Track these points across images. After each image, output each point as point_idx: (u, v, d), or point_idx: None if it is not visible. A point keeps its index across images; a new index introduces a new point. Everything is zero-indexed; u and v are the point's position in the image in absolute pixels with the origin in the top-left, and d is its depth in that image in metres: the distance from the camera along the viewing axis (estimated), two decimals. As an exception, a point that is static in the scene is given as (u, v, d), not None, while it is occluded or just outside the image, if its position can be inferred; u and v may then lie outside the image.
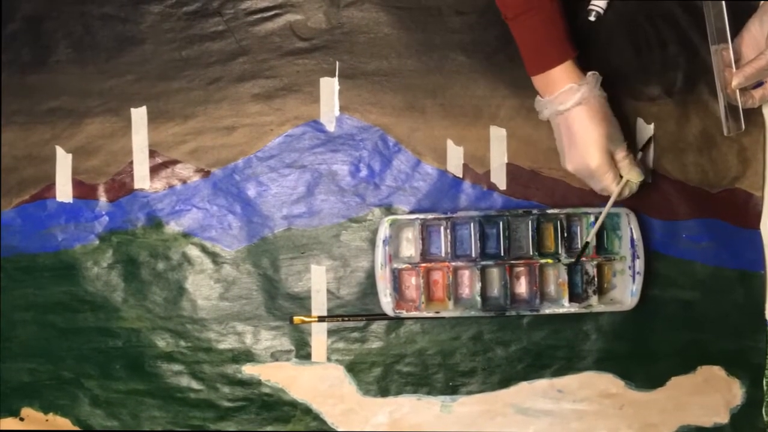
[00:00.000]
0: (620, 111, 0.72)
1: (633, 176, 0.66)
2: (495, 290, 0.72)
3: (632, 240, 0.69)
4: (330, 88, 0.73)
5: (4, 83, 0.74)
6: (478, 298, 0.70)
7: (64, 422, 0.74)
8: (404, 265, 0.70)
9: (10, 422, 0.74)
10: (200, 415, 0.74)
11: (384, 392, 0.73)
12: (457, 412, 0.73)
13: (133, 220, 0.74)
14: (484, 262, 0.70)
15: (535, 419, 0.73)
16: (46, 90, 0.74)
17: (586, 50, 0.72)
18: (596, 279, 0.70)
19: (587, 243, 0.69)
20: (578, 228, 0.72)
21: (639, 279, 0.69)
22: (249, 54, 0.74)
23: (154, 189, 0.74)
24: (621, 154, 0.66)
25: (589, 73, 0.65)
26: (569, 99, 0.63)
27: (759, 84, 0.66)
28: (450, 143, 0.73)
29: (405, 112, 0.73)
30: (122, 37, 0.74)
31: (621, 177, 0.66)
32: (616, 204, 0.71)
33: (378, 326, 0.73)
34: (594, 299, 0.70)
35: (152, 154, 0.74)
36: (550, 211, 0.70)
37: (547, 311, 0.70)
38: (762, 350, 0.73)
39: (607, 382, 0.73)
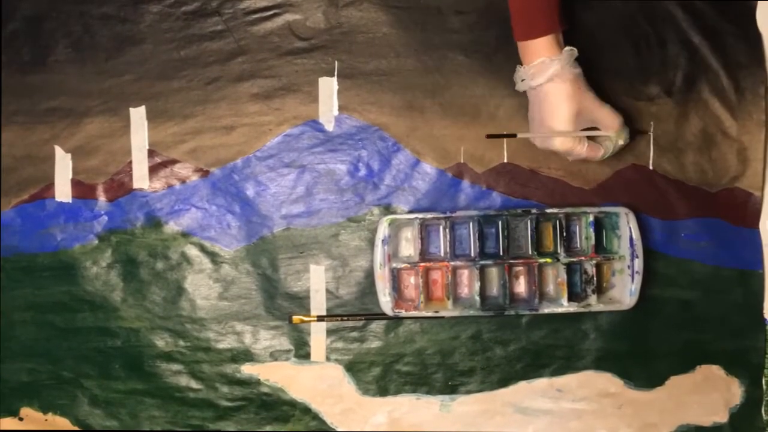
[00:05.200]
0: (620, 111, 0.72)
1: (617, 137, 0.67)
2: (494, 290, 0.72)
3: (631, 239, 0.69)
4: (329, 87, 0.73)
5: (3, 83, 0.74)
6: (477, 298, 0.69)
7: (64, 422, 0.74)
8: (403, 265, 0.70)
9: (9, 422, 0.74)
10: (199, 414, 0.74)
11: (383, 392, 0.73)
12: (457, 412, 0.73)
13: (132, 220, 0.74)
14: (483, 262, 0.70)
15: (534, 418, 0.73)
16: (46, 90, 0.74)
17: (586, 50, 0.72)
18: (595, 278, 0.70)
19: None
20: (577, 227, 0.72)
21: (638, 278, 0.69)
22: (248, 54, 0.74)
23: (153, 189, 0.74)
24: (605, 120, 0.66)
25: (565, 48, 0.64)
26: (541, 73, 0.63)
27: None
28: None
29: (404, 111, 0.73)
30: (121, 36, 0.74)
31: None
32: (615, 204, 0.72)
33: (377, 326, 0.73)
34: (593, 299, 0.70)
35: (151, 153, 0.74)
36: (549, 211, 0.70)
37: (546, 311, 0.70)
38: (761, 349, 0.73)
39: (606, 381, 0.73)
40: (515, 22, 0.64)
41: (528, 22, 0.64)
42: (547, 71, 0.63)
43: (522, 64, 0.66)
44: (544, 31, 0.63)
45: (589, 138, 0.67)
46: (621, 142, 0.68)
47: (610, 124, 0.66)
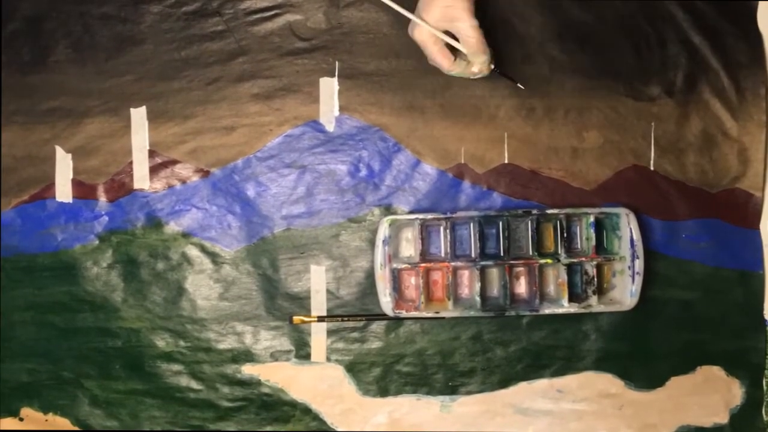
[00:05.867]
0: (620, 111, 0.73)
1: (471, 58, 0.65)
2: (494, 290, 0.72)
3: (632, 240, 0.69)
4: (329, 88, 0.73)
5: (4, 83, 0.74)
6: (478, 298, 0.69)
7: (64, 422, 0.74)
8: (404, 265, 0.70)
9: (9, 422, 0.74)
10: (200, 415, 0.74)
11: (383, 392, 0.73)
12: (457, 412, 0.73)
13: (133, 220, 0.74)
14: (483, 262, 0.70)
15: (534, 419, 0.73)
16: (46, 90, 0.74)
17: (586, 50, 0.72)
18: (596, 279, 0.70)
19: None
20: (578, 228, 0.72)
21: (638, 279, 0.69)
22: (248, 54, 0.74)
23: (153, 189, 0.74)
24: (465, 32, 0.64)
25: None
26: None
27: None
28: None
29: (404, 112, 0.73)
30: (122, 37, 0.74)
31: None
32: (616, 205, 0.72)
33: (377, 326, 0.73)
34: (593, 299, 0.70)
35: (152, 154, 0.74)
36: (549, 211, 0.70)
37: (547, 311, 0.70)
38: (761, 350, 0.73)
39: (607, 382, 0.73)
40: None
41: None
42: None
43: None
44: None
45: (450, 48, 0.65)
46: (475, 69, 0.66)
47: (467, 37, 0.64)
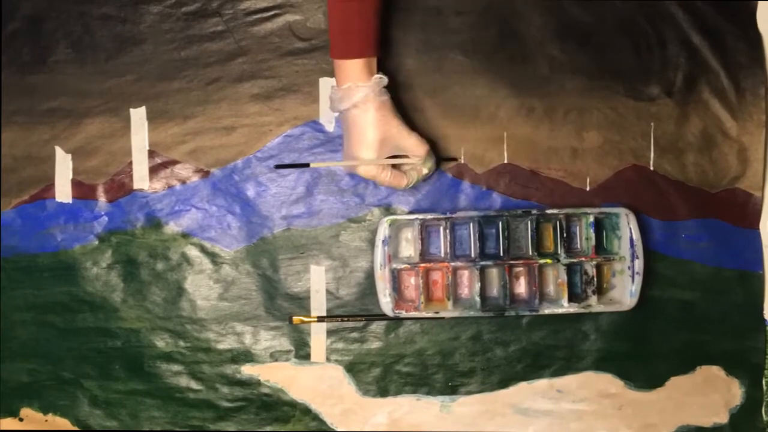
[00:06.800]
0: (620, 111, 0.72)
1: (422, 165, 0.68)
2: (494, 290, 0.72)
3: (631, 240, 0.69)
4: (329, 88, 0.73)
5: (4, 83, 0.74)
6: (478, 299, 0.69)
7: (64, 422, 0.74)
8: (403, 266, 0.70)
9: (9, 422, 0.74)
10: (199, 415, 0.74)
11: (383, 392, 0.73)
12: (457, 412, 0.73)
13: (133, 221, 0.74)
14: (483, 263, 0.70)
15: (534, 419, 0.73)
16: (46, 90, 0.74)
17: (586, 50, 0.72)
18: (595, 279, 0.70)
19: None
20: (577, 228, 0.72)
21: (638, 279, 0.69)
22: (248, 54, 0.74)
23: (153, 189, 0.74)
24: (414, 147, 0.66)
25: (375, 76, 0.64)
26: (348, 98, 0.64)
27: None
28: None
29: (404, 112, 0.73)
30: (122, 37, 0.74)
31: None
32: (616, 205, 0.72)
33: (377, 326, 0.73)
34: (593, 299, 0.70)
35: (151, 154, 0.74)
36: (549, 212, 0.70)
37: (547, 311, 0.70)
38: (761, 350, 0.73)
39: (607, 382, 0.73)
40: (332, 40, 0.64)
41: (344, 42, 0.64)
42: (353, 97, 0.64)
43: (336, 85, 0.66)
44: (357, 54, 0.63)
45: (395, 167, 0.67)
46: (425, 171, 0.69)
47: (415, 151, 0.67)
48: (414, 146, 0.66)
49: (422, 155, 0.67)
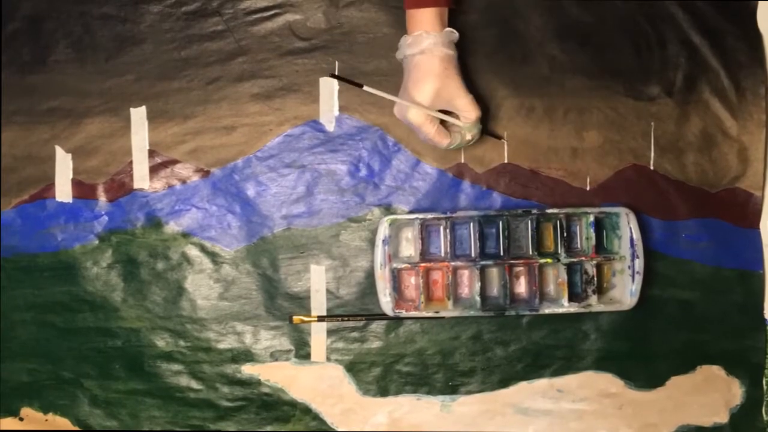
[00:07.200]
0: (620, 111, 0.73)
1: (467, 130, 0.67)
2: (494, 290, 0.72)
3: (632, 240, 0.69)
4: (329, 87, 0.73)
5: (4, 83, 0.74)
6: (478, 298, 0.69)
7: (64, 422, 0.74)
8: (404, 265, 0.70)
9: (9, 422, 0.74)
10: (200, 414, 0.74)
11: (383, 392, 0.73)
12: (457, 412, 0.73)
13: (133, 220, 0.74)
14: (483, 262, 0.70)
15: (534, 419, 0.73)
16: (46, 90, 0.74)
17: (586, 50, 0.72)
18: (596, 279, 0.70)
19: None
20: (578, 228, 0.72)
21: (638, 279, 0.69)
22: (248, 54, 0.74)
23: (153, 189, 0.74)
24: (465, 108, 0.66)
25: (447, 29, 0.65)
26: (416, 45, 0.64)
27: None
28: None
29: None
30: (122, 37, 0.74)
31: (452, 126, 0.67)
32: (616, 204, 0.72)
33: (377, 326, 0.73)
34: (593, 299, 0.70)
35: (151, 153, 0.74)
36: (549, 211, 0.70)
37: (547, 311, 0.70)
38: (761, 350, 0.73)
39: (607, 381, 0.73)
40: None
41: None
42: (422, 44, 0.64)
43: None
44: (431, 2, 0.64)
45: (442, 123, 0.67)
46: (469, 137, 0.68)
47: (466, 113, 0.66)
48: (467, 107, 0.66)
49: (473, 119, 0.66)
